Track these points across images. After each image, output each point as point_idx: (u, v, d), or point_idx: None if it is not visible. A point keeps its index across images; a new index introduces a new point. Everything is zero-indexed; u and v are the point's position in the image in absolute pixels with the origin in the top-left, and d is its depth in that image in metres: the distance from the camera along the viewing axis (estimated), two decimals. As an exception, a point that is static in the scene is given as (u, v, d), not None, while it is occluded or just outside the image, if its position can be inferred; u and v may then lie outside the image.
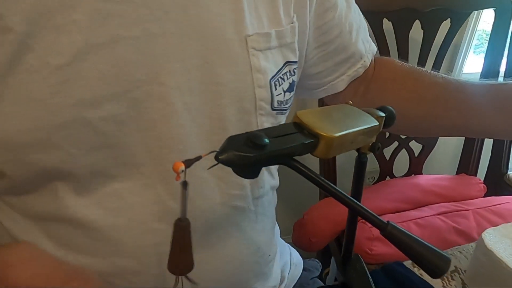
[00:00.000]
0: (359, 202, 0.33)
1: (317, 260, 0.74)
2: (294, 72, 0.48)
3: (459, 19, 0.95)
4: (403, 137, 1.04)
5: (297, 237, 0.94)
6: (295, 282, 0.63)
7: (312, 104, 1.05)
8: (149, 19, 0.35)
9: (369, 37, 0.60)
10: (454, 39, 0.98)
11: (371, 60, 0.59)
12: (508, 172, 1.16)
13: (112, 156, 0.37)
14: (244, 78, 0.41)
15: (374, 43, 0.61)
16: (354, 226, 0.41)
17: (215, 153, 0.24)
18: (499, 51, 1.00)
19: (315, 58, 0.54)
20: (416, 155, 1.09)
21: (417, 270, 0.45)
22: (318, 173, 0.28)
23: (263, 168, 0.47)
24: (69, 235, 0.40)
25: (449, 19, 0.94)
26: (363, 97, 0.59)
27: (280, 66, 0.45)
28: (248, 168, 0.25)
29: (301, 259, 0.67)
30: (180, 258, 0.24)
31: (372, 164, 1.14)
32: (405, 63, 0.60)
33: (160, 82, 0.36)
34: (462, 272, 0.46)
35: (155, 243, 0.41)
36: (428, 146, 1.07)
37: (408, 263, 0.46)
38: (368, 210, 0.28)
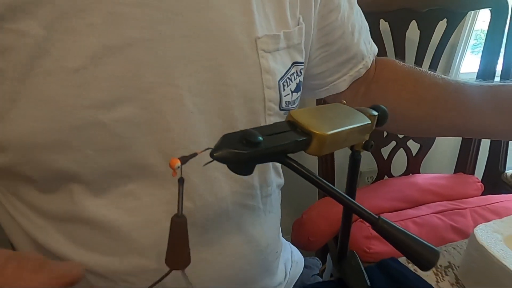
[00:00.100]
0: (354, 198, 0.34)
1: (317, 258, 0.75)
2: (300, 72, 0.48)
3: (455, 19, 0.95)
4: (400, 136, 1.05)
5: (296, 236, 0.94)
6: (296, 279, 0.64)
7: (310, 104, 1.06)
8: (162, 21, 0.35)
9: (370, 38, 0.61)
10: (451, 39, 0.98)
11: (372, 60, 0.60)
12: (506, 171, 1.17)
13: (126, 157, 0.38)
14: (254, 80, 0.41)
15: (373, 44, 0.62)
16: (349, 223, 0.41)
17: (210, 150, 0.25)
18: (496, 51, 1.00)
19: (318, 59, 0.55)
20: (414, 154, 1.09)
21: (412, 266, 0.46)
22: (317, 173, 0.29)
23: (270, 167, 0.49)
24: (85, 234, 0.41)
25: (445, 19, 0.95)
26: (364, 97, 0.60)
27: (288, 67, 0.46)
28: (242, 165, 0.26)
29: (302, 256, 0.68)
30: (177, 253, 0.25)
31: (370, 164, 1.15)
32: (405, 64, 0.61)
33: (173, 84, 0.37)
34: (456, 268, 0.46)
35: None
36: (426, 145, 1.08)
37: (403, 260, 0.46)
38: (360, 205, 0.28)
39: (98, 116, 0.35)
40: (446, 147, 1.32)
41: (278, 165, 0.53)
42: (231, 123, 0.41)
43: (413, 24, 0.94)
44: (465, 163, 1.10)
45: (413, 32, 0.94)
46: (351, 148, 0.37)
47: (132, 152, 0.38)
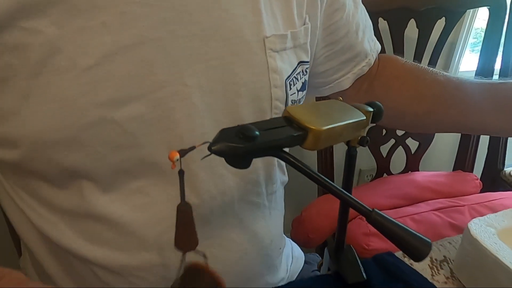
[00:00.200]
0: (350, 192, 0.35)
1: (318, 254, 0.76)
2: (306, 71, 0.49)
3: (454, 18, 0.96)
4: (399, 134, 1.06)
5: (296, 233, 0.95)
6: (297, 274, 0.64)
7: (307, 100, 1.06)
8: (173, 21, 0.36)
9: (374, 36, 0.62)
10: (450, 37, 0.98)
11: (375, 58, 0.61)
12: (504, 169, 1.17)
13: (136, 154, 0.38)
14: (262, 79, 0.42)
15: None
16: (345, 217, 0.42)
17: (208, 144, 0.25)
18: (494, 49, 1.01)
19: (322, 57, 0.56)
20: (412, 152, 1.10)
21: (408, 260, 0.47)
22: (316, 170, 0.30)
23: (275, 165, 0.49)
24: (95, 230, 0.41)
25: (443, 18, 0.95)
26: (367, 93, 0.61)
27: (295, 66, 0.47)
28: (239, 159, 0.27)
29: (302, 252, 0.69)
30: (185, 237, 0.26)
31: (369, 162, 1.15)
32: (408, 61, 0.62)
33: (184, 83, 0.38)
34: (451, 262, 0.47)
35: None
36: (425, 143, 1.09)
37: (399, 254, 0.47)
38: (355, 198, 0.29)
39: (109, 113, 0.35)
40: (445, 145, 1.32)
41: (283, 162, 0.53)
42: (239, 121, 0.42)
43: (412, 23, 0.94)
44: (463, 161, 1.11)
45: (411, 31, 0.95)
46: (347, 143, 0.37)
47: (142, 149, 0.38)
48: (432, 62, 0.99)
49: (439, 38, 0.97)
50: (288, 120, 0.30)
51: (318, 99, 0.88)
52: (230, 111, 0.41)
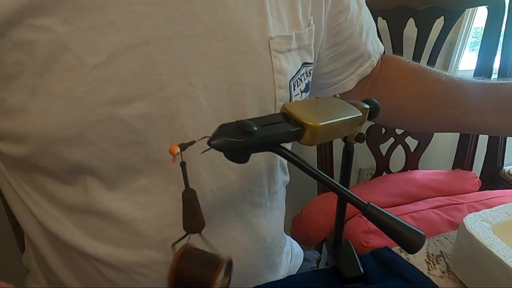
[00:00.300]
0: (348, 188, 0.35)
1: (317, 252, 0.77)
2: (310, 73, 0.50)
3: (453, 17, 0.96)
4: (399, 133, 1.06)
5: (296, 231, 0.96)
6: (295, 272, 0.65)
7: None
8: (179, 21, 0.36)
9: (377, 38, 0.63)
10: (450, 36, 0.99)
11: (378, 59, 0.62)
12: (504, 167, 1.18)
13: (141, 152, 0.39)
14: (266, 79, 0.43)
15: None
16: (343, 213, 0.43)
17: (207, 138, 0.26)
18: (493, 48, 1.01)
19: (326, 58, 0.57)
20: (412, 151, 1.10)
21: (404, 255, 0.47)
22: (316, 167, 0.31)
23: (278, 165, 0.50)
24: (98, 226, 0.42)
25: (442, 17, 0.96)
26: (370, 93, 0.62)
27: (299, 67, 0.47)
28: (238, 153, 0.28)
29: (301, 250, 0.70)
30: (192, 220, 0.28)
31: (369, 160, 1.16)
32: (410, 61, 0.62)
33: (189, 82, 0.38)
34: (447, 257, 0.48)
35: (181, 235, 0.43)
36: (424, 142, 1.09)
37: (396, 249, 0.48)
38: (350, 192, 0.30)
39: (116, 111, 0.36)
40: (444, 144, 1.33)
41: (285, 162, 0.54)
42: None
43: (411, 22, 0.94)
44: (463, 160, 1.11)
45: (410, 30, 0.95)
46: (345, 140, 0.38)
47: (147, 147, 0.39)
48: (431, 61, 1.00)
49: (438, 37, 0.98)
50: (285, 116, 0.31)
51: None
52: (234, 111, 0.42)
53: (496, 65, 1.04)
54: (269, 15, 0.42)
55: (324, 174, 0.29)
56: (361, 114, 0.35)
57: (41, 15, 0.32)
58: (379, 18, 0.91)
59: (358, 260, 0.43)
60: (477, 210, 0.92)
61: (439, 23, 0.96)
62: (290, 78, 0.45)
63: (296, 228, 0.96)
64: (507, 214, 0.43)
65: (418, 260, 0.48)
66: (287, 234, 0.66)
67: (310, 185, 1.00)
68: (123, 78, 0.35)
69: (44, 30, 0.32)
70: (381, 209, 0.30)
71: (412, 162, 1.11)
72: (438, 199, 0.96)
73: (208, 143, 0.26)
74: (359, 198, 0.30)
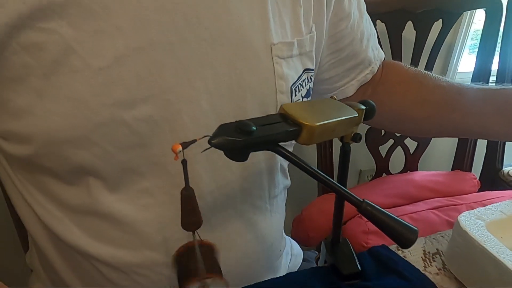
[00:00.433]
0: (345, 185, 0.37)
1: (316, 252, 0.77)
2: (311, 79, 0.51)
3: (451, 20, 0.97)
4: (398, 135, 1.06)
5: (296, 232, 0.96)
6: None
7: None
8: (184, 26, 0.37)
9: (378, 45, 0.64)
10: (449, 38, 0.99)
11: (379, 65, 0.63)
12: (503, 169, 1.18)
13: (144, 154, 0.39)
14: (268, 84, 0.44)
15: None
16: (341, 211, 0.44)
17: (208, 137, 0.27)
18: (491, 50, 1.02)
19: (327, 64, 0.58)
20: (411, 152, 1.11)
21: (401, 253, 0.48)
22: (316, 167, 0.32)
23: (278, 169, 0.51)
24: (100, 227, 0.43)
25: (440, 20, 0.96)
26: (371, 98, 0.62)
27: (300, 73, 0.48)
28: (237, 152, 0.29)
29: (301, 250, 0.70)
30: (190, 218, 0.29)
31: (368, 162, 1.16)
32: (411, 67, 0.63)
33: (191, 86, 0.39)
34: (443, 254, 0.49)
35: (182, 237, 0.43)
36: (423, 143, 1.09)
37: (393, 247, 0.49)
38: (346, 189, 0.31)
39: (120, 114, 0.36)
40: (443, 145, 1.33)
41: (285, 167, 0.55)
42: None
43: (409, 25, 0.95)
44: (462, 161, 1.12)
45: (409, 32, 0.96)
46: (341, 140, 0.39)
47: (149, 149, 0.39)
48: (430, 63, 1.00)
49: (436, 39, 0.99)
50: (283, 116, 0.32)
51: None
52: (236, 115, 0.42)
53: (494, 67, 1.05)
54: (272, 22, 0.43)
55: (321, 172, 0.30)
56: (357, 115, 0.36)
57: (48, 19, 0.33)
58: (378, 21, 0.92)
59: (355, 257, 0.44)
60: (476, 211, 0.93)
61: (437, 25, 0.97)
62: (291, 84, 0.46)
63: (297, 229, 0.96)
64: (501, 212, 0.44)
65: (414, 257, 0.49)
66: (287, 235, 0.67)
67: (310, 186, 1.01)
68: (127, 81, 0.36)
69: (51, 33, 0.33)
70: (376, 206, 0.31)
71: (411, 164, 1.12)
72: (437, 200, 0.96)
73: (209, 142, 0.27)
74: (354, 195, 0.31)
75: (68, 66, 0.34)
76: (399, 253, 0.48)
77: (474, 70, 1.05)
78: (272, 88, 0.44)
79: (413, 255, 0.49)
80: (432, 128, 0.62)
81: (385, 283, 0.43)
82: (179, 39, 0.37)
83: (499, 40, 1.03)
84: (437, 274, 0.47)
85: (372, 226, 0.94)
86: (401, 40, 0.96)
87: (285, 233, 0.66)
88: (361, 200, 0.31)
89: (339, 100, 0.62)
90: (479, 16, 1.23)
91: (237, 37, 0.40)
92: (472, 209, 0.91)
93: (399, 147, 1.08)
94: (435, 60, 1.00)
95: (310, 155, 1.05)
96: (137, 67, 0.36)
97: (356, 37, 0.57)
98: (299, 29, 0.47)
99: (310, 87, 0.51)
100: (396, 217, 0.30)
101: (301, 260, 0.69)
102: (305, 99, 0.49)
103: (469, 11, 1.16)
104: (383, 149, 1.08)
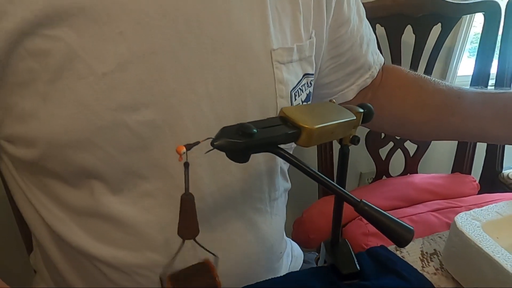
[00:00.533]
0: (344, 187, 0.38)
1: (317, 253, 0.78)
2: (311, 83, 0.52)
3: (450, 24, 0.98)
4: (398, 137, 1.07)
5: (297, 234, 0.97)
6: (296, 273, 0.67)
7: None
8: (185, 32, 0.38)
9: (377, 50, 0.64)
10: (448, 42, 1.00)
11: (379, 70, 0.64)
12: (503, 171, 1.19)
13: (146, 157, 0.40)
14: (268, 89, 0.44)
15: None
16: (340, 212, 0.45)
17: (211, 140, 0.28)
18: (489, 54, 1.03)
19: (328, 69, 0.58)
20: (411, 155, 1.11)
21: (400, 253, 0.49)
22: (317, 169, 0.33)
23: (278, 173, 0.52)
24: (103, 229, 0.43)
25: (439, 24, 0.97)
26: (371, 102, 0.62)
27: (300, 78, 0.49)
28: (238, 154, 0.30)
29: (301, 251, 0.71)
30: (187, 225, 0.29)
31: (369, 165, 1.17)
32: (411, 71, 0.64)
33: (192, 90, 0.40)
34: (440, 255, 0.50)
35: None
36: (423, 146, 1.10)
37: (392, 247, 0.50)
38: (344, 189, 0.32)
39: (123, 117, 0.37)
40: (443, 148, 1.33)
41: (286, 170, 0.56)
42: None
43: (408, 29, 0.96)
44: (462, 163, 1.12)
45: (408, 36, 0.97)
46: (340, 142, 0.40)
47: (152, 152, 0.40)
48: (429, 66, 1.01)
49: (435, 43, 0.99)
50: (283, 119, 0.33)
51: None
52: (237, 119, 0.43)
53: (494, 70, 1.06)
54: (272, 28, 0.44)
55: (319, 173, 0.31)
56: (355, 118, 0.37)
57: (54, 26, 0.34)
58: (378, 25, 0.93)
59: (354, 257, 0.45)
60: (475, 213, 0.93)
61: (436, 29, 0.98)
62: (291, 88, 0.47)
63: (297, 231, 0.97)
64: (497, 213, 0.45)
65: (412, 258, 0.50)
66: (288, 237, 0.68)
67: (310, 189, 1.02)
68: (130, 86, 0.37)
69: (57, 40, 0.34)
70: (373, 206, 0.32)
71: (411, 166, 1.12)
72: (437, 203, 0.97)
73: (211, 143, 0.28)
74: (352, 195, 0.32)
75: (73, 72, 0.35)
76: (398, 253, 0.49)
77: (473, 73, 1.06)
78: (272, 92, 0.44)
79: (411, 255, 0.50)
80: (432, 132, 0.62)
81: (384, 283, 0.44)
82: (180, 44, 0.38)
83: (498, 44, 1.04)
84: (435, 274, 0.48)
85: (372, 228, 0.95)
86: (400, 44, 0.97)
87: (286, 235, 0.67)
88: (359, 200, 0.32)
89: (339, 103, 0.64)
90: (479, 20, 1.24)
91: (237, 42, 0.41)
92: (470, 211, 0.93)
93: (399, 150, 1.09)
94: (434, 64, 1.01)
95: (311, 157, 1.06)
96: (140, 72, 0.37)
97: (355, 42, 0.58)
98: (298, 35, 0.48)
99: (310, 91, 0.52)
100: (392, 217, 0.31)
101: (302, 262, 0.70)
102: (305, 103, 0.50)
103: (468, 15, 1.17)
104: (383, 152, 1.08)
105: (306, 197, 1.05)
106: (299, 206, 1.01)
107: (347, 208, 0.39)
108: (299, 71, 0.48)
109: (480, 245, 0.40)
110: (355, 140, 0.39)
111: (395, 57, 0.97)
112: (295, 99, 0.48)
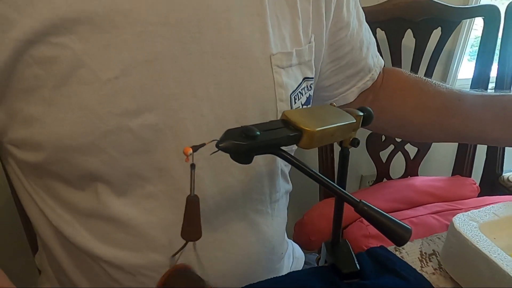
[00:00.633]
0: (344, 187, 0.38)
1: (318, 255, 0.79)
2: (310, 87, 0.52)
3: (450, 28, 0.98)
4: (398, 140, 1.07)
5: (298, 236, 0.98)
6: (297, 274, 0.67)
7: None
8: (186, 39, 0.39)
9: (377, 52, 0.65)
10: (449, 45, 1.00)
11: (379, 72, 0.64)
12: (503, 174, 1.19)
13: (148, 160, 0.41)
14: (268, 93, 0.45)
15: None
16: (340, 213, 0.46)
17: (215, 142, 0.29)
18: (489, 57, 1.04)
19: (328, 72, 0.59)
20: (412, 157, 1.11)
21: (399, 254, 0.50)
22: (318, 171, 0.34)
23: (279, 174, 0.53)
24: (108, 230, 0.44)
25: (439, 28, 0.98)
26: (372, 104, 0.64)
27: (299, 82, 0.49)
28: (242, 155, 0.31)
29: (302, 253, 0.71)
30: (191, 227, 0.30)
31: (369, 168, 1.17)
32: (412, 74, 0.65)
33: (195, 95, 0.41)
34: (439, 255, 0.51)
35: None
36: (423, 148, 1.10)
37: (391, 248, 0.51)
38: (343, 190, 0.33)
39: (126, 122, 0.38)
40: (443, 150, 1.34)
41: (286, 172, 0.57)
42: None
43: (409, 33, 0.97)
44: (462, 166, 1.12)
45: (408, 40, 0.97)
46: (340, 144, 0.41)
47: (155, 155, 0.41)
48: (430, 70, 1.02)
49: (435, 47, 1.00)
50: (285, 122, 0.34)
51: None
52: (238, 122, 0.44)
53: (493, 73, 1.07)
54: (271, 33, 0.45)
55: (320, 174, 0.33)
56: (355, 121, 0.38)
57: (60, 34, 0.35)
58: (378, 29, 0.94)
59: (354, 257, 0.46)
60: (475, 215, 0.94)
61: (436, 33, 0.99)
62: (291, 92, 0.47)
63: (298, 233, 0.98)
64: (494, 214, 0.46)
65: (411, 258, 0.50)
66: (289, 239, 0.69)
67: (312, 191, 1.02)
68: (133, 91, 0.38)
69: (63, 48, 0.35)
70: (372, 206, 0.33)
71: (412, 169, 1.13)
72: (437, 205, 0.97)
73: (216, 145, 0.29)
74: (351, 196, 0.33)
75: (78, 78, 0.36)
76: (397, 253, 0.50)
77: (473, 76, 1.07)
78: (272, 96, 0.45)
79: (410, 255, 0.51)
80: (432, 133, 0.63)
81: (383, 282, 0.45)
82: (182, 51, 0.39)
83: (498, 48, 1.05)
84: (433, 273, 0.48)
85: (372, 230, 0.95)
86: (401, 47, 0.97)
87: (287, 237, 0.68)
88: (358, 200, 0.33)
89: (340, 106, 0.65)
90: (480, 22, 1.24)
91: (237, 48, 0.42)
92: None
93: (400, 152, 1.09)
94: (434, 67, 1.02)
95: (312, 160, 1.06)
96: (143, 78, 0.38)
97: (355, 46, 0.59)
98: (298, 40, 0.49)
99: (310, 95, 0.52)
100: (390, 217, 0.32)
101: (303, 263, 0.71)
102: (305, 107, 0.51)
103: (468, 19, 1.18)
104: (384, 155, 1.09)
105: (307, 199, 1.05)
106: (300, 208, 1.02)
107: (348, 210, 0.40)
108: (298, 75, 0.49)
109: (477, 246, 0.41)
110: (355, 143, 0.40)
111: (396, 61, 0.98)
112: (295, 103, 0.49)
